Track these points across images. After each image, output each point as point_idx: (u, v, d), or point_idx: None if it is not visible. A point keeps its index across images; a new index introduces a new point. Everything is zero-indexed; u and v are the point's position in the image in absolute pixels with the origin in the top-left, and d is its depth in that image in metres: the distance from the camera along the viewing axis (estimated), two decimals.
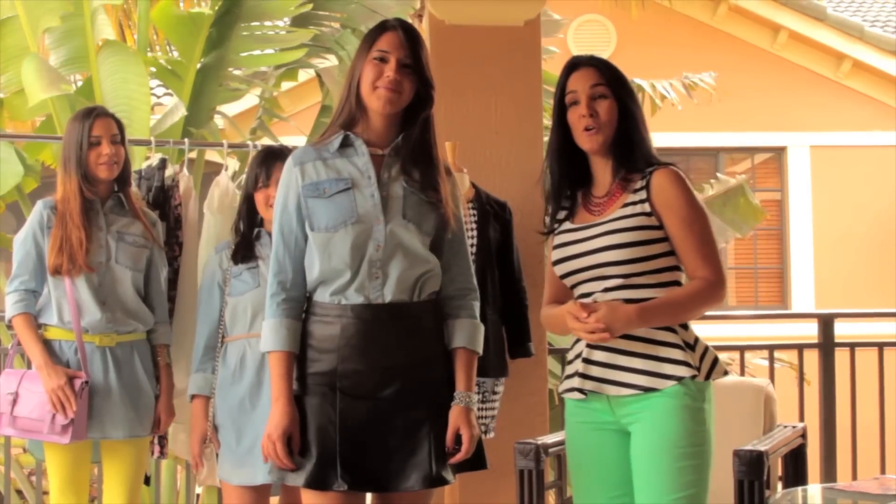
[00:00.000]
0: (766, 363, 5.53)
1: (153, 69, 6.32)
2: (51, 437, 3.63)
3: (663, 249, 2.82)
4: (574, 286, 2.91)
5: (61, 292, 3.70)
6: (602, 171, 2.92)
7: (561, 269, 2.92)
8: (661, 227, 2.81)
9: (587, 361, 2.83)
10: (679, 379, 2.74)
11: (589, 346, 2.83)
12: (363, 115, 2.85)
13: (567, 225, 2.95)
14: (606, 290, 2.81)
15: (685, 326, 2.83)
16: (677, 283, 2.84)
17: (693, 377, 2.75)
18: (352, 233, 2.78)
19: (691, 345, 2.81)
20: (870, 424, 5.41)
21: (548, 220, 3.01)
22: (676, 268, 2.85)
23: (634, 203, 2.83)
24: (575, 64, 2.93)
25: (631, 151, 2.86)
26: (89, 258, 3.69)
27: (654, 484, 2.76)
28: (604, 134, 2.86)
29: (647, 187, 2.82)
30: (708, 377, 2.81)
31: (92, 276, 3.70)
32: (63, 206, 3.71)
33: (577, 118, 2.88)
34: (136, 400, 3.75)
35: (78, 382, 3.63)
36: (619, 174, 2.87)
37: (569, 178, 2.95)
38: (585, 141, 2.88)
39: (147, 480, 4.09)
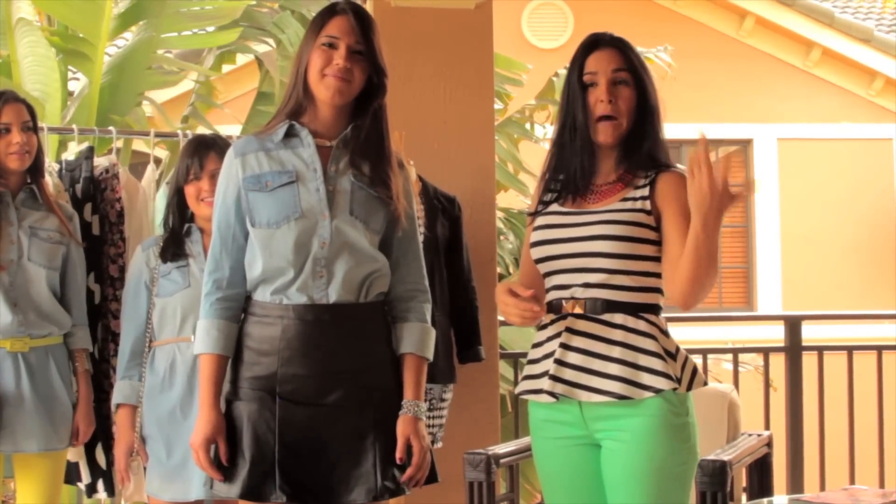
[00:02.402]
0: (730, 367, 5.59)
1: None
2: None
3: (652, 252, 2.79)
4: (549, 274, 2.87)
5: None
6: (606, 160, 2.87)
7: (539, 253, 2.88)
8: (657, 228, 2.79)
9: (560, 363, 2.79)
10: (657, 391, 2.72)
11: (563, 346, 2.79)
12: (311, 105, 2.84)
13: (555, 207, 2.90)
14: (587, 285, 2.78)
15: (666, 334, 2.81)
16: (657, 291, 2.82)
17: (674, 389, 2.73)
18: (295, 229, 2.77)
19: (672, 354, 2.79)
20: (838, 432, 5.48)
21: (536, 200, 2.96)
22: (657, 275, 2.81)
23: (635, 199, 2.79)
24: (596, 41, 2.86)
25: (640, 145, 2.82)
26: None
27: None
28: (622, 125, 2.81)
29: (651, 185, 2.79)
30: (689, 388, 2.79)
31: (2, 275, 3.65)
32: None
33: (595, 102, 2.81)
34: (51, 410, 3.71)
35: None
36: (622, 166, 2.83)
37: (584, 164, 2.86)
38: (601, 131, 2.81)
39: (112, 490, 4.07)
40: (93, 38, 5.96)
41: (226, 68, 7.41)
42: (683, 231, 2.70)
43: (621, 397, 2.73)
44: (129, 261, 4.05)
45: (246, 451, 2.75)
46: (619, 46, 2.85)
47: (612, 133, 2.81)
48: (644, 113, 2.82)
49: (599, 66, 2.83)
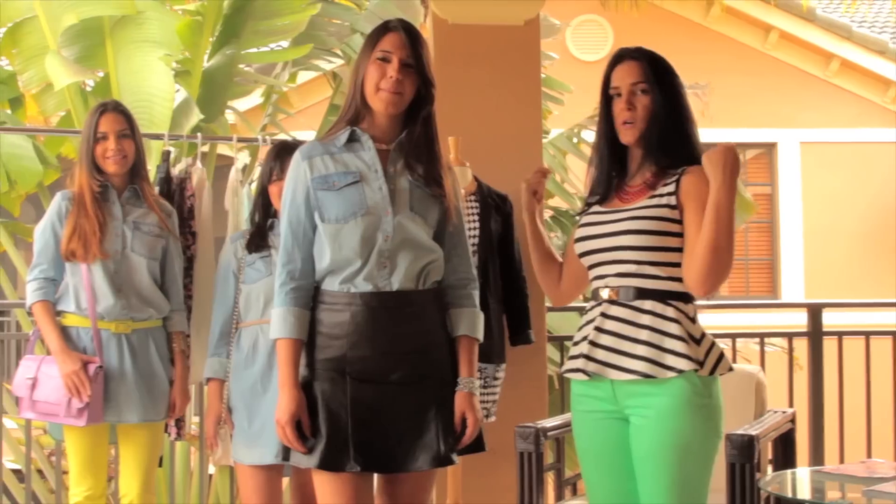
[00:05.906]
0: (757, 349, 5.54)
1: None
2: (67, 419, 3.65)
3: (679, 244, 2.79)
4: (591, 267, 2.91)
5: (78, 279, 3.71)
6: (639, 163, 2.89)
7: (580, 248, 2.92)
8: (682, 222, 2.78)
9: (593, 344, 2.82)
10: (679, 371, 2.71)
11: (597, 329, 2.82)
12: (368, 113, 2.87)
13: (596, 208, 2.94)
14: (620, 275, 2.80)
15: (693, 320, 2.80)
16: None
17: (695, 371, 2.72)
18: (362, 224, 2.79)
19: (697, 339, 2.78)
20: (856, 410, 5.42)
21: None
22: None
23: (661, 195, 2.80)
24: (620, 56, 2.90)
25: (667, 146, 2.82)
26: (104, 246, 3.69)
27: (659, 481, 2.74)
28: (638, 128, 2.84)
29: (677, 182, 2.80)
30: (713, 372, 2.78)
31: (108, 263, 3.71)
32: (79, 197, 3.73)
33: (619, 111, 2.87)
34: (150, 385, 3.76)
35: (92, 367, 3.64)
36: (655, 166, 2.84)
37: (612, 166, 2.93)
38: (623, 133, 2.87)
39: (160, 462, 4.10)
40: (195, 56, 6.10)
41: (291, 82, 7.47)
42: (699, 222, 2.73)
43: (646, 376, 2.74)
44: (196, 252, 4.11)
45: (322, 426, 2.76)
46: (640, 59, 2.87)
47: (631, 134, 2.86)
48: (665, 117, 2.82)
49: (621, 80, 2.87)
